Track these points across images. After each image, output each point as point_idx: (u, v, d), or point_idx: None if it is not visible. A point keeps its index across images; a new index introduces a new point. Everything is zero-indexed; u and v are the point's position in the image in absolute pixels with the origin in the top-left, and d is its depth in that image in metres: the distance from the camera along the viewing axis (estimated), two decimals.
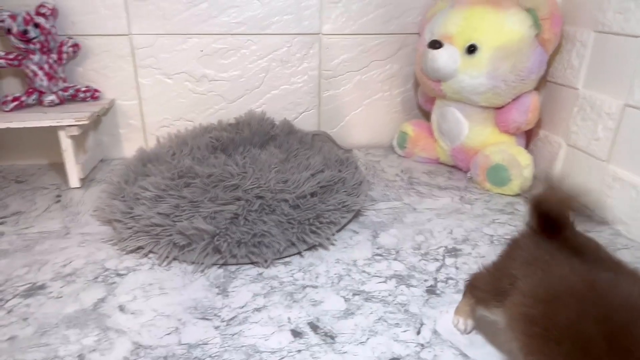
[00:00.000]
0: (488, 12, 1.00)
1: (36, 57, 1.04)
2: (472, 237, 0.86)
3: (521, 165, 0.98)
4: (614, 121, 0.89)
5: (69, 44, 1.08)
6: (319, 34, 1.20)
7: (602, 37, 0.92)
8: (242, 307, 0.67)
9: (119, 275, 0.74)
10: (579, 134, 0.99)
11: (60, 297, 0.68)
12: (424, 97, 1.24)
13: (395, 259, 0.79)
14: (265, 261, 0.76)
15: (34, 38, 1.01)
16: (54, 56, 1.07)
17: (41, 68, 1.05)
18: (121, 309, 0.66)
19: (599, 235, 0.87)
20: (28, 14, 1.00)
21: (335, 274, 0.75)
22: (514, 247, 0.56)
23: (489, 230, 0.88)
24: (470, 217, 0.93)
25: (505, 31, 0.98)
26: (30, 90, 1.07)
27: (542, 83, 1.11)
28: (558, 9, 0.98)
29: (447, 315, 0.65)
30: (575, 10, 1.00)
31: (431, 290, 0.71)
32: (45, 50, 1.05)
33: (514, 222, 0.91)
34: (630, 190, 0.86)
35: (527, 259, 0.51)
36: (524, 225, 0.55)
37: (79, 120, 0.99)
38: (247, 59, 1.20)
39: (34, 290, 0.70)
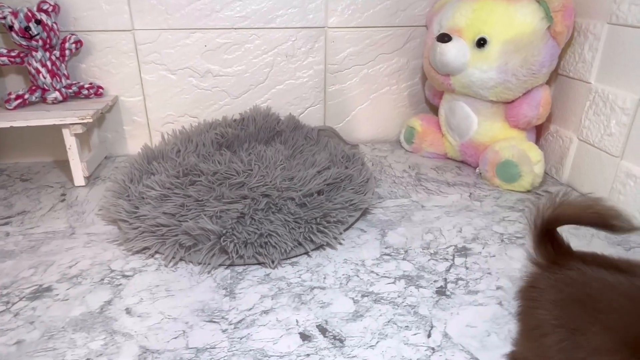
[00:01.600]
0: (498, 4, 0.98)
1: (39, 54, 1.03)
2: (482, 236, 0.84)
3: (532, 161, 0.97)
4: (628, 116, 0.87)
5: (72, 40, 1.07)
6: (324, 27, 1.18)
7: (615, 29, 0.90)
8: (250, 309, 0.66)
9: (125, 276, 0.73)
10: (591, 128, 0.97)
11: (67, 299, 0.68)
12: (432, 91, 1.22)
13: (404, 259, 0.78)
14: (273, 262, 0.76)
15: (36, 35, 1.00)
16: (57, 53, 1.06)
17: (44, 65, 1.04)
18: (128, 311, 0.65)
19: (610, 235, 0.85)
20: (30, 10, 0.99)
21: (343, 275, 0.74)
22: (530, 292, 0.45)
23: (499, 229, 0.87)
24: (479, 215, 0.92)
25: (516, 24, 0.96)
26: (33, 87, 1.06)
27: (554, 76, 1.08)
28: (570, 1, 0.95)
29: (457, 317, 0.64)
30: (587, 1, 0.97)
31: (441, 292, 0.70)
32: (47, 47, 1.04)
33: (525, 219, 0.90)
34: None
35: (565, 299, 0.41)
36: (529, 263, 0.47)
37: (82, 119, 0.98)
38: (251, 54, 1.18)
39: (40, 292, 0.69)
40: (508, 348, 0.59)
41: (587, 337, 0.39)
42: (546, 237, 0.45)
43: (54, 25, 1.03)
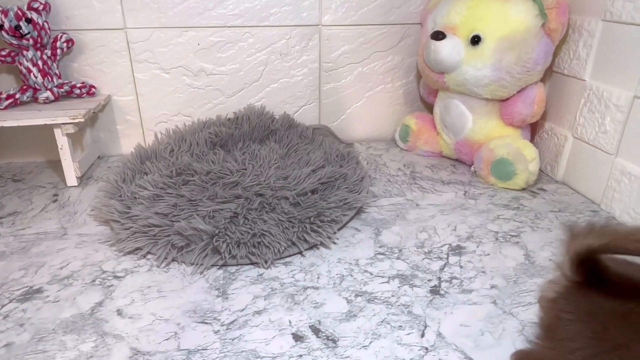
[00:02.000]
0: (492, 1, 0.97)
1: (30, 53, 1.02)
2: (477, 234, 0.84)
3: (527, 159, 0.96)
4: (623, 113, 0.87)
5: (63, 39, 1.06)
6: (318, 25, 1.17)
7: (610, 26, 0.89)
8: (242, 310, 0.65)
9: (116, 277, 0.72)
10: (586, 126, 0.96)
11: (57, 301, 0.67)
12: (427, 89, 1.21)
13: (398, 258, 0.77)
14: (266, 262, 0.75)
15: (26, 34, 0.99)
16: (48, 52, 1.05)
17: (35, 64, 1.03)
18: (119, 313, 0.65)
19: None
20: (20, 9, 0.98)
21: (337, 274, 0.73)
22: (563, 304, 0.43)
23: (493, 227, 0.86)
24: (474, 213, 0.91)
25: (510, 21, 0.95)
26: (25, 87, 1.05)
27: (548, 74, 1.08)
28: None
29: (451, 317, 0.64)
30: None
31: (435, 291, 0.69)
32: (38, 46, 1.03)
33: (520, 217, 0.90)
34: (639, 184, 0.84)
35: (604, 313, 0.40)
36: (560, 277, 0.44)
37: (74, 118, 0.97)
38: (245, 52, 1.17)
39: (30, 294, 0.68)
40: (502, 347, 0.59)
41: (634, 354, 0.37)
42: (584, 261, 0.43)
43: (45, 24, 1.02)
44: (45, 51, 1.04)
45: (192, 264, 0.75)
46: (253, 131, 1.12)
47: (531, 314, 0.64)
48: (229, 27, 1.14)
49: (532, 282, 0.71)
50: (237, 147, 1.08)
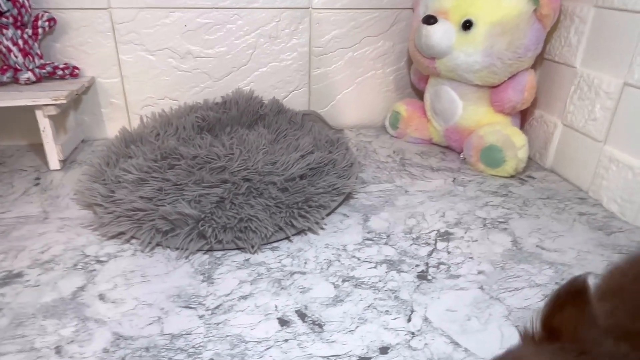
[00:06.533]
0: None
1: (9, 32, 0.99)
2: (465, 220, 0.84)
3: (516, 146, 0.96)
4: (613, 101, 0.87)
5: (44, 18, 1.02)
6: (308, 8, 1.15)
7: (602, 12, 0.89)
8: (228, 294, 0.64)
9: (99, 262, 0.71)
10: (576, 113, 0.96)
11: (38, 285, 0.65)
12: (418, 76, 1.20)
13: (386, 244, 0.77)
14: (252, 247, 0.74)
15: (6, 12, 0.96)
16: (29, 31, 1.01)
17: (15, 44, 1.00)
18: (101, 297, 0.63)
19: (593, 218, 0.85)
20: None
21: (324, 260, 0.72)
22: None
23: (481, 213, 0.86)
24: (463, 200, 0.91)
25: (502, 6, 0.94)
26: (5, 67, 1.02)
27: (539, 61, 1.07)
28: None
29: (438, 302, 0.64)
30: None
31: (422, 276, 0.69)
32: (19, 24, 0.99)
33: (508, 204, 0.90)
34: (626, 171, 0.84)
35: None
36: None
37: (56, 100, 0.94)
38: (233, 35, 1.15)
39: (10, 278, 0.67)
40: (488, 332, 0.59)
41: None
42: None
43: (26, 1, 0.98)
44: (26, 30, 1.01)
45: (177, 249, 0.74)
46: (241, 116, 1.10)
47: (518, 299, 0.64)
48: (217, 8, 1.11)
49: (520, 268, 0.71)
50: (224, 132, 1.06)
